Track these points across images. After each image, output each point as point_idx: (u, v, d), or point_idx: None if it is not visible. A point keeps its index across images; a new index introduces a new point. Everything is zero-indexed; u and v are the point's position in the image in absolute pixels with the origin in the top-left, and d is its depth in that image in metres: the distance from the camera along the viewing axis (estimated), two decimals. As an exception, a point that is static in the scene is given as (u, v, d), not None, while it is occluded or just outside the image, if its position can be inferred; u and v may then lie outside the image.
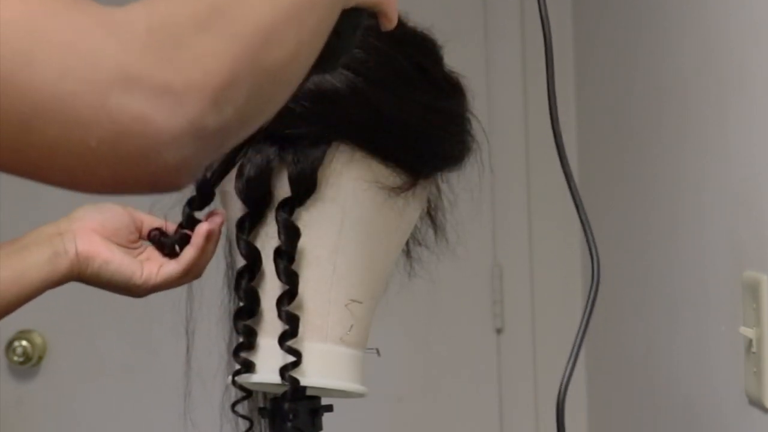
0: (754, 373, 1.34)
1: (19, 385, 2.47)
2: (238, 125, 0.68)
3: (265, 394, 1.23)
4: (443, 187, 1.24)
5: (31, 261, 1.11)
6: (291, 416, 1.17)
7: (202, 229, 1.13)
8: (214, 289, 1.23)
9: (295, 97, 1.12)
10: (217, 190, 1.15)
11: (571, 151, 2.21)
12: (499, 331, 2.48)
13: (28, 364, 2.44)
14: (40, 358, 2.46)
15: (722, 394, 1.49)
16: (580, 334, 1.09)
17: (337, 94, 1.13)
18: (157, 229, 1.16)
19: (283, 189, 1.15)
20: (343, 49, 0.82)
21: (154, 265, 1.14)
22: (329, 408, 1.20)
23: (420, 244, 1.26)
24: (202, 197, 1.13)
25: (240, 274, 1.16)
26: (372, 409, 2.08)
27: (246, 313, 1.17)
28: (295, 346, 1.14)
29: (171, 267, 1.14)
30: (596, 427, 2.34)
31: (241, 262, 1.17)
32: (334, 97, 1.13)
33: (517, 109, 2.44)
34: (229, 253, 1.21)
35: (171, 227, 1.16)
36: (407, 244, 1.23)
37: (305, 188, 1.14)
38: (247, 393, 1.20)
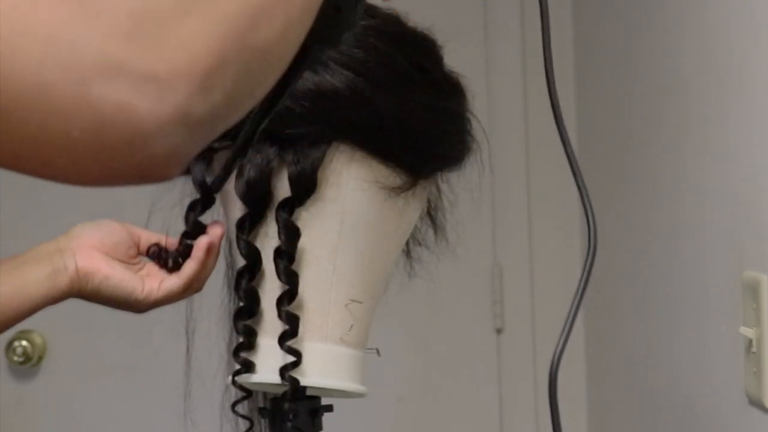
0: (754, 373, 1.34)
1: (19, 385, 2.47)
2: (227, 110, 0.65)
3: (265, 394, 1.23)
4: (443, 187, 1.23)
5: (31, 277, 1.11)
6: (291, 416, 1.17)
7: (202, 243, 1.12)
8: (214, 289, 1.23)
9: (295, 97, 1.12)
10: (217, 190, 1.15)
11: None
12: (499, 331, 2.48)
13: (28, 364, 2.44)
14: (40, 358, 2.46)
15: (722, 394, 1.49)
16: (575, 305, 1.08)
17: (337, 94, 1.13)
18: (155, 244, 1.16)
19: (283, 189, 1.15)
20: (346, 23, 0.80)
21: (155, 280, 1.13)
22: (329, 408, 1.20)
23: (420, 244, 1.26)
24: (205, 201, 1.13)
25: (240, 274, 1.16)
26: (372, 409, 2.08)
27: (246, 313, 1.17)
28: (295, 346, 1.14)
29: (172, 281, 1.13)
30: (596, 427, 2.34)
31: (241, 262, 1.17)
32: (334, 97, 1.13)
33: (517, 109, 2.44)
34: (229, 253, 1.21)
35: (170, 242, 1.15)
36: (407, 244, 1.23)
37: (305, 188, 1.14)
38: (247, 393, 1.20)
